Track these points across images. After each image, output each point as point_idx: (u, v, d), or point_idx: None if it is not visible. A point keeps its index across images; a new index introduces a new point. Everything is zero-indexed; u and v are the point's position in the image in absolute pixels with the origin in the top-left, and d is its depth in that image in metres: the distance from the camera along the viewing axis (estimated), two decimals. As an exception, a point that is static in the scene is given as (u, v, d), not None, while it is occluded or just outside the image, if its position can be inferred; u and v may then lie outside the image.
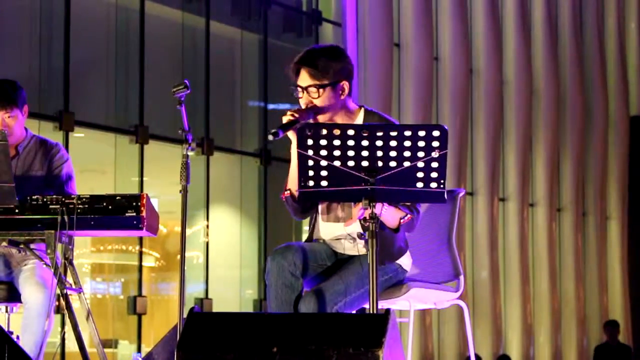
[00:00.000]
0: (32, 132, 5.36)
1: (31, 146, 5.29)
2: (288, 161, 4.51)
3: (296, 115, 4.32)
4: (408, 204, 4.30)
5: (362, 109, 4.50)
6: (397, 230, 4.30)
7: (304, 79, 4.41)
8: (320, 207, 4.52)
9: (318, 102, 4.39)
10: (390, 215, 4.25)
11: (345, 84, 4.43)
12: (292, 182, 4.42)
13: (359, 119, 4.48)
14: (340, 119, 4.46)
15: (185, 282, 4.63)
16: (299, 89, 4.43)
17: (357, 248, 4.49)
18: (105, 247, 12.48)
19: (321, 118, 4.41)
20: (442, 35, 15.31)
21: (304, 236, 13.71)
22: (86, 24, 10.91)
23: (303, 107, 4.41)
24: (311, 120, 4.37)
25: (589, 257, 18.47)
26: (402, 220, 4.26)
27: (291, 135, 4.33)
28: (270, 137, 4.27)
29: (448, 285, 4.87)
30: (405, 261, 4.54)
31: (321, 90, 4.39)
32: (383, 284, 4.48)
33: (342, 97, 4.43)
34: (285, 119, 4.32)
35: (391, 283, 4.53)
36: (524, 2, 17.01)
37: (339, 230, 4.48)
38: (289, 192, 4.43)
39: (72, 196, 4.82)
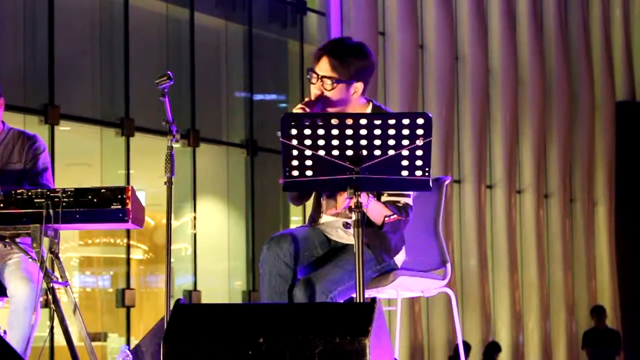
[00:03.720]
0: (9, 125, 5.28)
1: (9, 138, 5.21)
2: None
3: (307, 109, 4.33)
4: (400, 205, 4.31)
5: (371, 103, 4.49)
6: (381, 227, 4.30)
7: (324, 68, 4.41)
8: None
9: (329, 95, 4.40)
10: (376, 211, 4.26)
11: (359, 85, 4.42)
12: None
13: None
14: (348, 112, 4.45)
15: (174, 275, 4.63)
16: (315, 75, 4.43)
17: (350, 237, 4.48)
18: (94, 241, 12.47)
19: (329, 110, 4.41)
20: (427, 23, 15.30)
21: (292, 226, 13.72)
22: (70, 16, 10.87)
23: (313, 95, 4.43)
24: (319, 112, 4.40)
25: (577, 243, 18.51)
26: (386, 219, 4.27)
27: None
28: (279, 134, 4.28)
29: (435, 273, 4.87)
30: (399, 256, 4.54)
31: (335, 84, 4.39)
32: (375, 274, 4.49)
33: (354, 96, 4.43)
34: (295, 112, 4.33)
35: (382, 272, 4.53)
36: (509, -11, 17.02)
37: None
38: None
39: (57, 190, 4.80)
